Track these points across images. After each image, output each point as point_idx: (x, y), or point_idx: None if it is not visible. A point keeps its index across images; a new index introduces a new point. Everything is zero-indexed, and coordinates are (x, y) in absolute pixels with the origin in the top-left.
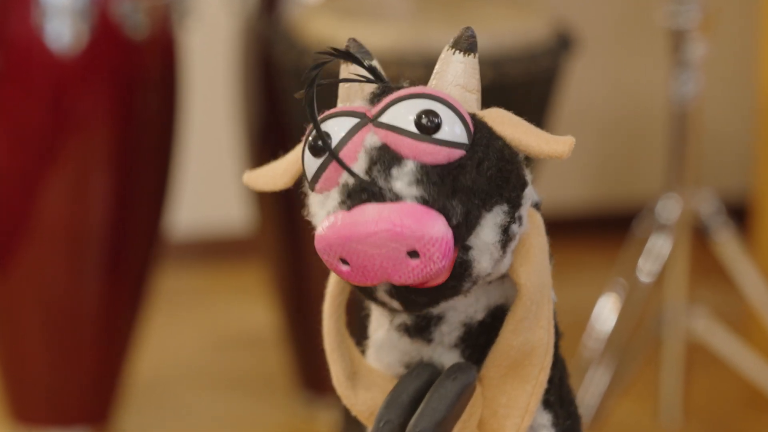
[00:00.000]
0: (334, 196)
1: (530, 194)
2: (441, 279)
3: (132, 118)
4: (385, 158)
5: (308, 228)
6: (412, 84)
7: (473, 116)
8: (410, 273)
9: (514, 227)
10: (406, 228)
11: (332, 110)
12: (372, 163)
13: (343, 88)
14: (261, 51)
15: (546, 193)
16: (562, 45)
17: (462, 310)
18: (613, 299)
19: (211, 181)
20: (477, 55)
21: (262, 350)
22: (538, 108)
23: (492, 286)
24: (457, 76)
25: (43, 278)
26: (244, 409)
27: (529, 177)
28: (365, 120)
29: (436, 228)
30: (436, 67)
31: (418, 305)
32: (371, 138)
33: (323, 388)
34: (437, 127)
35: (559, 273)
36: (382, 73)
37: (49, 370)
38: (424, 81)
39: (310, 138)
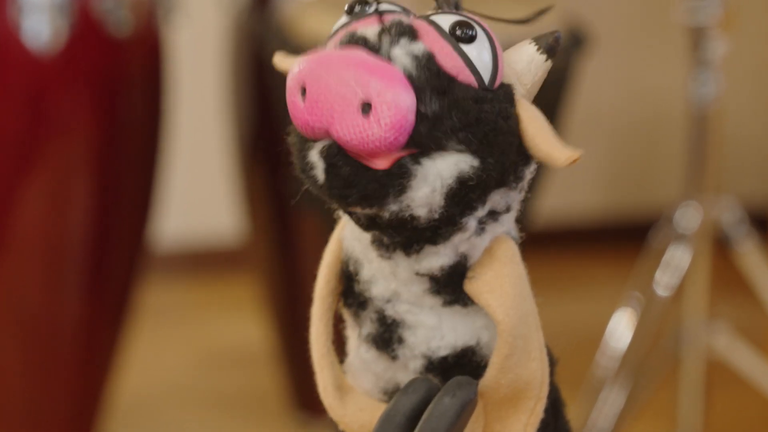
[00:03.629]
0: (330, 45)
1: (508, 224)
2: (381, 162)
3: (115, 121)
4: (403, 30)
5: (302, 239)
6: None
7: (508, 85)
8: (352, 124)
9: (484, 210)
10: (375, 77)
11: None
12: (388, 28)
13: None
14: (252, 49)
15: (557, 201)
16: (574, 43)
17: (422, 340)
18: (629, 314)
19: (200, 188)
20: (550, 61)
21: (254, 368)
22: (548, 110)
23: (459, 322)
24: (517, 62)
25: (19, 292)
26: (235, 430)
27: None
28: (399, 11)
29: (403, 97)
30: (509, 50)
31: (338, 178)
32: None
33: (318, 408)
34: (469, 39)
35: (571, 287)
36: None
37: (27, 390)
38: None
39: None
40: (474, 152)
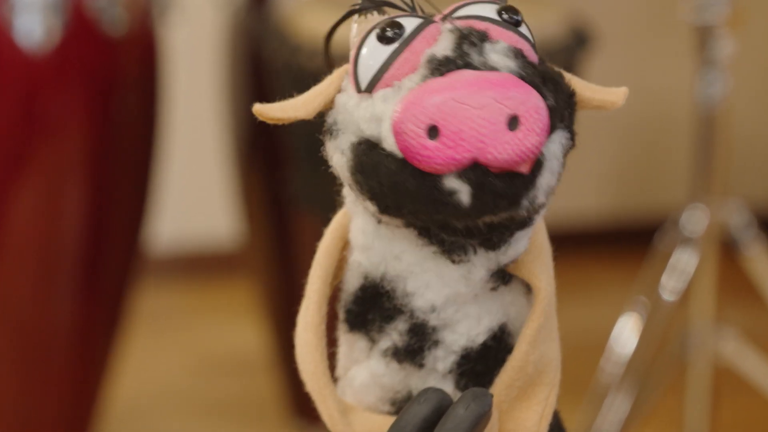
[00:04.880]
0: (414, 77)
1: None
2: (525, 167)
3: (109, 122)
4: (476, 35)
5: (300, 242)
6: None
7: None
8: (507, 142)
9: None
10: (511, 88)
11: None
12: (462, 38)
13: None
14: (250, 48)
15: (560, 203)
16: (578, 42)
17: (464, 332)
18: (634, 319)
19: (196, 190)
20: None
21: (251, 374)
22: None
23: (491, 302)
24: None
25: (11, 297)
26: None
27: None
28: (432, 20)
29: (538, 98)
30: None
31: (489, 194)
32: (451, 25)
33: (316, 415)
34: (518, 24)
35: (576, 291)
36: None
37: (20, 395)
38: None
39: (378, 29)
40: (566, 126)
